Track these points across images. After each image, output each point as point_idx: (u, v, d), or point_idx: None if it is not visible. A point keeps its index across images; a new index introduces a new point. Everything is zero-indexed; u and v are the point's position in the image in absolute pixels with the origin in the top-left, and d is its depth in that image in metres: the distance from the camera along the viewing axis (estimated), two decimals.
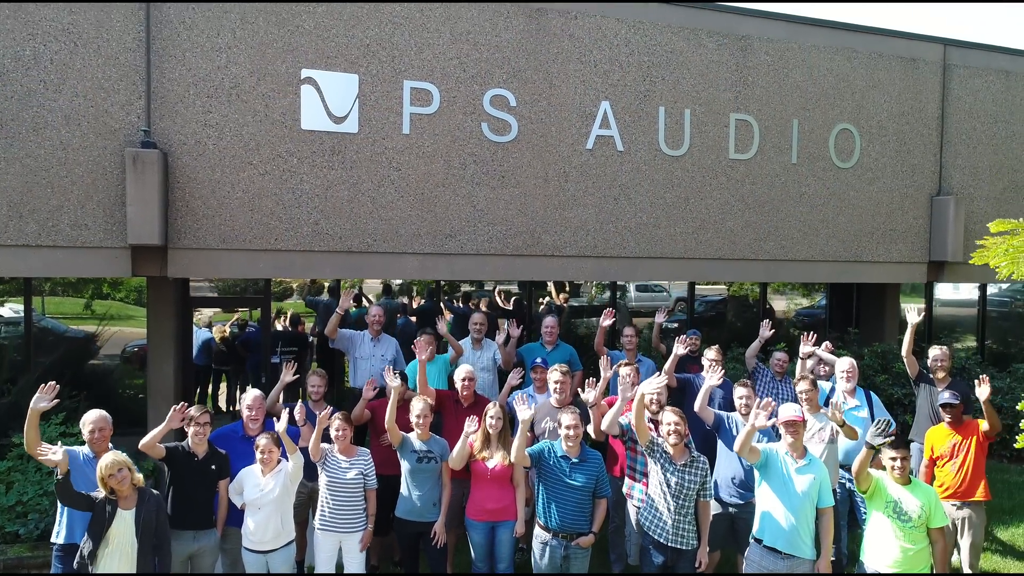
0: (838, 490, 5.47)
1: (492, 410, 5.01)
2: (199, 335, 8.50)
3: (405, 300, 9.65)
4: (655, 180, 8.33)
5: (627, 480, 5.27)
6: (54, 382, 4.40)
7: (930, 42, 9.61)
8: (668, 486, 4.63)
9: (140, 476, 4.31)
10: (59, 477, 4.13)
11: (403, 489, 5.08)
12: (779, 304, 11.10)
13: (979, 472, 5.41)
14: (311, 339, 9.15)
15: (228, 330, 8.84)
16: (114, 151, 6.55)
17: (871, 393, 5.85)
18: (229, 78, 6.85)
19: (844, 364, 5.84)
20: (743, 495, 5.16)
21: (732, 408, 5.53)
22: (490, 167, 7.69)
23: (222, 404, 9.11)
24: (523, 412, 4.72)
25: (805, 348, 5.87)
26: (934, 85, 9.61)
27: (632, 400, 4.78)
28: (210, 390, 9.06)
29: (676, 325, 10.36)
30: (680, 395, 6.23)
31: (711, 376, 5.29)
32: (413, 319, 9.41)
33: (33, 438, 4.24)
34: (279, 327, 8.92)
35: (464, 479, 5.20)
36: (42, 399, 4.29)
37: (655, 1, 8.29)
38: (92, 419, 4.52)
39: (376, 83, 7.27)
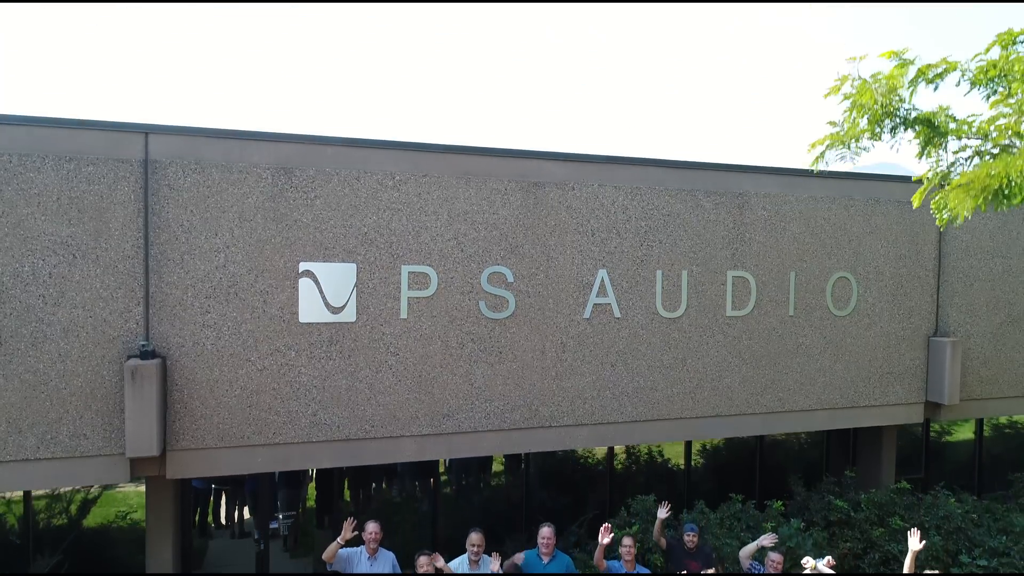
0: None
1: None
2: None
3: None
4: (652, 343, 8.35)
5: None
6: None
7: None
8: None
9: None
10: None
11: None
12: None
13: None
14: None
15: None
16: (113, 359, 6.57)
17: None
18: (227, 277, 6.87)
19: None
20: None
21: None
22: (487, 344, 7.72)
23: (222, 520, 9.19)
24: None
25: None
26: (931, 226, 9.62)
27: None
28: (211, 503, 9.12)
29: None
30: None
31: None
32: None
33: None
34: None
35: None
36: None
37: (654, 166, 8.32)
38: None
39: (374, 270, 7.30)
